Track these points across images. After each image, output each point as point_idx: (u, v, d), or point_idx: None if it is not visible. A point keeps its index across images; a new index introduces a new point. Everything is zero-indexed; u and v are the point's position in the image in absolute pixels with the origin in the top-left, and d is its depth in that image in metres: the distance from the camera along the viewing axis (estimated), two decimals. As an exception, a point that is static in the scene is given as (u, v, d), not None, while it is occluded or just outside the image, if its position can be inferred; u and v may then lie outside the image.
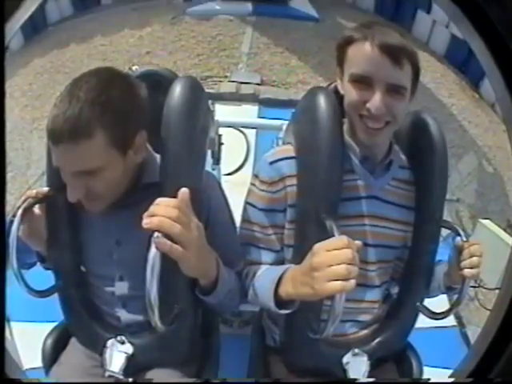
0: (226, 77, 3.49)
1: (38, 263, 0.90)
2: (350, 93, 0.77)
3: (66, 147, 0.68)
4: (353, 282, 0.60)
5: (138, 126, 0.74)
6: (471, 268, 0.80)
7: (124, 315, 0.87)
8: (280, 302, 0.73)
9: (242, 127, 2.25)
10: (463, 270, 0.81)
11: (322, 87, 0.87)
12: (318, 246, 0.63)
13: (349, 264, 0.59)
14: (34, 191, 0.81)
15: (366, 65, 0.74)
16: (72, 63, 3.36)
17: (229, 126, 1.61)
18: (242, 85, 3.33)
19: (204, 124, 0.84)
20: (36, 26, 3.54)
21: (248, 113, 3.10)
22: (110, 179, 0.73)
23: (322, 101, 0.80)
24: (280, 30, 3.97)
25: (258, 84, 3.40)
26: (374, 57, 0.72)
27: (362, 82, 0.74)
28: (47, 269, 0.90)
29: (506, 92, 0.50)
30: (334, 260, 0.60)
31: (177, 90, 0.78)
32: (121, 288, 0.86)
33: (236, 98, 3.23)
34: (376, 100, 0.73)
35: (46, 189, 0.82)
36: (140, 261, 0.77)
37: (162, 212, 0.63)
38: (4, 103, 0.46)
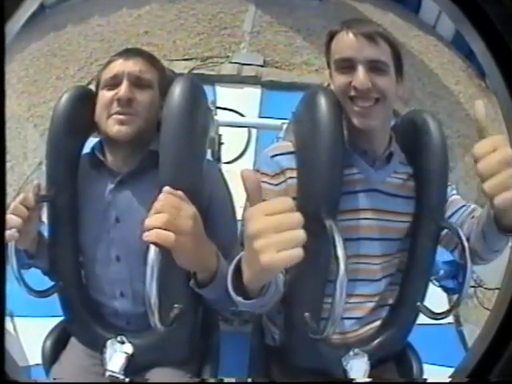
0: (227, 57, 3.40)
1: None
2: (337, 79, 0.80)
3: (130, 57, 0.86)
4: (301, 249, 0.50)
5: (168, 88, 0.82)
6: (493, 195, 0.58)
7: (122, 305, 0.88)
8: (245, 291, 0.63)
9: (243, 127, 2.20)
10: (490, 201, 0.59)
11: (322, 86, 0.87)
12: (252, 211, 0.51)
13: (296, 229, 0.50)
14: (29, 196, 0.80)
15: (344, 49, 0.78)
16: (69, 45, 3.28)
17: (229, 125, 1.60)
18: (244, 66, 3.25)
19: (204, 124, 0.83)
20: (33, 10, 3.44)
21: (250, 96, 3.03)
22: (151, 100, 0.85)
23: (322, 99, 0.79)
24: (284, 8, 3.83)
25: (260, 65, 3.31)
26: (350, 40, 0.77)
27: (345, 65, 0.78)
28: (35, 266, 0.90)
29: (506, 92, 0.49)
30: (280, 225, 0.49)
31: (177, 90, 0.78)
32: (117, 270, 0.86)
33: (237, 81, 3.15)
34: (359, 75, 0.76)
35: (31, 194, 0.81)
36: (136, 241, 0.79)
37: (152, 212, 0.61)
38: (4, 100, 0.45)
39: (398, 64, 0.81)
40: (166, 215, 0.60)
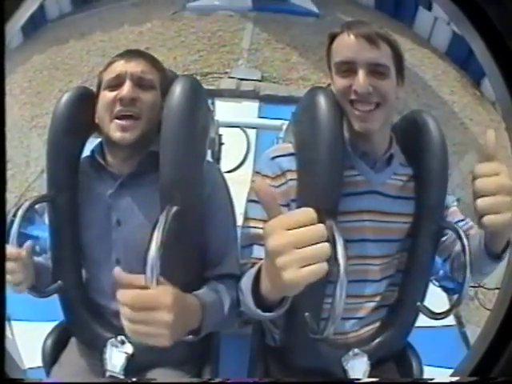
0: (226, 73, 3.47)
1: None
2: (337, 82, 0.80)
3: (132, 58, 0.85)
4: (325, 263, 0.48)
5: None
6: (482, 214, 0.61)
7: None
8: (263, 302, 0.63)
9: (243, 127, 2.24)
10: (479, 217, 0.62)
11: (321, 87, 0.87)
12: (271, 226, 0.49)
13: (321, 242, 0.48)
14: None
15: (345, 51, 0.78)
16: (71, 60, 3.35)
17: (229, 125, 1.62)
18: (243, 81, 3.31)
19: (204, 124, 0.84)
20: (35, 23, 3.52)
21: (248, 110, 3.08)
22: (154, 100, 0.85)
23: (321, 100, 0.80)
24: (281, 26, 3.93)
25: (258, 80, 3.37)
26: (350, 43, 0.77)
27: (345, 68, 0.78)
28: (49, 294, 0.86)
29: (506, 92, 0.50)
30: (303, 240, 0.47)
31: (177, 90, 0.79)
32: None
33: (236, 95, 3.20)
34: (359, 79, 0.76)
35: None
36: (137, 243, 0.79)
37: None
38: (4, 103, 0.46)
39: (398, 66, 0.80)
40: (137, 315, 0.58)
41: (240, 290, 0.78)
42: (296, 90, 3.23)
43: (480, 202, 0.60)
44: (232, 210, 0.90)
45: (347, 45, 0.77)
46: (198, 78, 3.31)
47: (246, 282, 0.68)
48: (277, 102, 3.10)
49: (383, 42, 0.77)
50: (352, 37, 0.77)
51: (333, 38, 0.81)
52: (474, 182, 0.61)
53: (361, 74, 0.76)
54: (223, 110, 2.87)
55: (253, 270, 0.66)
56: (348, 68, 0.77)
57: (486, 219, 0.60)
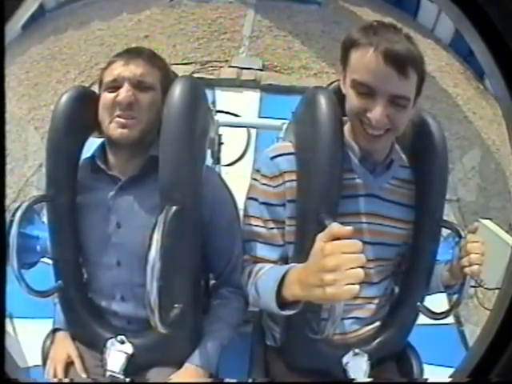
0: (226, 61, 3.41)
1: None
2: (352, 99, 0.76)
3: (131, 59, 0.84)
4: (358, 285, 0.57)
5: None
6: (470, 265, 0.79)
7: (122, 308, 0.88)
8: (283, 304, 0.70)
9: (243, 127, 2.22)
10: (462, 267, 0.80)
11: (322, 87, 0.86)
12: (332, 248, 0.57)
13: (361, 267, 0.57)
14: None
15: (369, 74, 0.71)
16: (69, 49, 3.30)
17: (229, 125, 1.61)
18: (243, 70, 3.26)
19: (204, 124, 0.84)
20: (33, 14, 3.46)
21: (249, 99, 3.05)
22: (152, 101, 0.84)
23: (322, 101, 0.79)
24: (283, 13, 3.86)
25: (259, 69, 3.33)
26: (377, 66, 0.69)
27: (364, 91, 0.73)
28: None
29: (506, 92, 0.50)
30: (351, 263, 0.56)
31: (177, 90, 0.78)
32: (118, 275, 0.86)
33: (237, 85, 3.16)
34: (377, 112, 0.72)
35: None
36: (137, 246, 0.81)
37: None
38: (4, 101, 0.45)
39: (419, 90, 0.76)
40: None
41: (256, 289, 0.80)
42: (298, 80, 3.18)
43: (473, 256, 0.79)
44: (238, 218, 0.90)
45: (373, 67, 0.70)
46: (198, 66, 3.27)
47: (268, 285, 0.72)
48: (278, 92, 3.07)
49: (412, 68, 0.70)
50: (380, 59, 0.69)
51: (355, 44, 0.73)
52: (467, 244, 0.80)
53: (380, 104, 0.71)
54: (223, 100, 2.84)
55: (276, 274, 0.71)
56: (367, 91, 0.72)
57: (476, 268, 0.79)
